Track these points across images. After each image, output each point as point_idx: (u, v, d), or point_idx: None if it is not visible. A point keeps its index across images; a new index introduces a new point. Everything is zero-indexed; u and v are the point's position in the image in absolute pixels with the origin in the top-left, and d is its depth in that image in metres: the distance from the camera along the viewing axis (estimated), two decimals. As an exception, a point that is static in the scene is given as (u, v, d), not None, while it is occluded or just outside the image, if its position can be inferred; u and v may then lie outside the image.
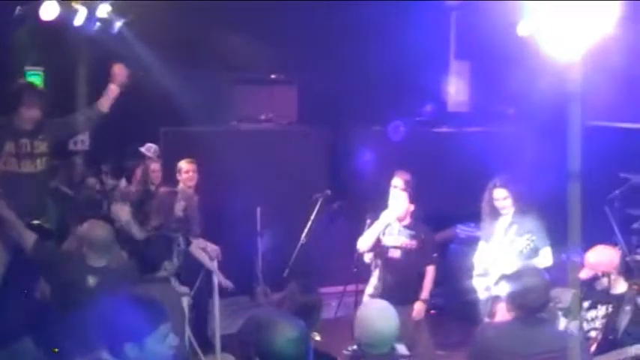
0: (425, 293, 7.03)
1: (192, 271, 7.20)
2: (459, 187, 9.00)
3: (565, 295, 7.70)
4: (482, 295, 7.04)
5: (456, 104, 10.79)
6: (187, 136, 8.91)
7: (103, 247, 5.36)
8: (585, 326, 5.69)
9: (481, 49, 10.39)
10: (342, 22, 9.50)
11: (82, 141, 8.95)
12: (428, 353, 7.05)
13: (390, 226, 7.06)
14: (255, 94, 9.51)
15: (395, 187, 7.89)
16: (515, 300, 4.35)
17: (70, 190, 8.20)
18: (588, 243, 9.11)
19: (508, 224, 6.86)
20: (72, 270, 5.31)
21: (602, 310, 5.63)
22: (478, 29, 10.26)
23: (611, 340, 5.47)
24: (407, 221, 7.09)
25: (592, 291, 5.77)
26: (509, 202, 6.83)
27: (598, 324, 5.61)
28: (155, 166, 8.16)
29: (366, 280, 7.26)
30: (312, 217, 8.00)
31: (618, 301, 5.54)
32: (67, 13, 7.61)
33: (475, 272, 7.15)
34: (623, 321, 5.44)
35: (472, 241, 7.63)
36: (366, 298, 7.24)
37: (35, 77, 8.51)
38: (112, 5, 7.94)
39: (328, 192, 8.19)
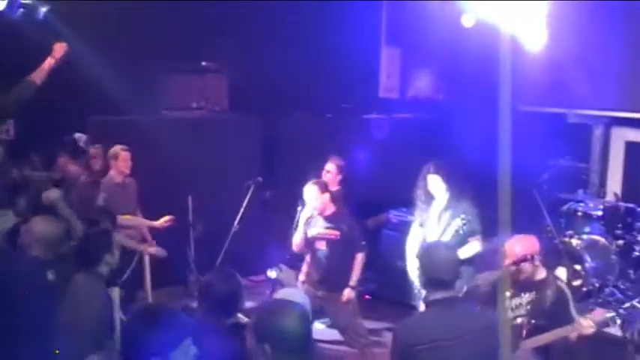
0: (353, 280, 7.04)
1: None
2: (391, 173, 9.06)
3: (494, 279, 7.84)
4: (416, 279, 7.12)
5: (387, 90, 10.82)
6: (117, 125, 8.75)
7: (54, 243, 5.22)
8: (510, 314, 5.80)
9: (412, 35, 10.45)
10: (273, 8, 9.45)
11: (6, 130, 8.70)
12: (360, 338, 7.11)
13: (313, 219, 7.09)
14: (186, 82, 9.37)
15: (328, 172, 7.93)
16: (424, 274, 4.35)
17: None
18: (519, 227, 9.29)
19: (442, 209, 6.95)
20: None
21: (525, 298, 5.72)
22: (409, 15, 10.32)
23: (537, 324, 5.59)
24: (329, 212, 7.11)
25: (514, 280, 5.88)
26: (443, 187, 6.91)
27: (523, 311, 5.70)
28: (95, 152, 8.07)
29: (299, 267, 7.27)
30: (245, 205, 7.97)
31: (540, 286, 5.66)
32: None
33: (409, 257, 7.23)
34: (547, 305, 5.57)
35: (405, 227, 7.68)
36: (299, 284, 7.30)
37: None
38: (36, -10, 7.74)
39: (260, 179, 8.16)
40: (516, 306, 5.75)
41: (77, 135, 8.40)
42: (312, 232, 7.08)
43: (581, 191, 9.11)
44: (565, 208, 8.93)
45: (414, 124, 10.51)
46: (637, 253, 8.36)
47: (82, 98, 8.36)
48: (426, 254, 4.48)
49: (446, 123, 9.88)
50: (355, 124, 10.21)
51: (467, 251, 6.74)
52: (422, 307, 5.33)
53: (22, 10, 7.64)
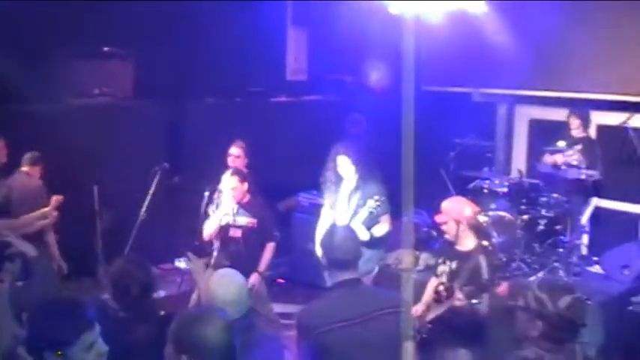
0: (262, 266, 7.05)
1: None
2: (301, 156, 9.06)
3: (407, 257, 7.98)
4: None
5: (294, 72, 10.79)
6: (18, 115, 8.45)
7: None
8: (434, 281, 5.94)
9: (319, 16, 10.43)
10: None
11: None
12: (272, 323, 7.12)
13: (230, 207, 7.05)
14: (88, 68, 9.12)
15: (235, 156, 7.88)
16: (327, 256, 4.35)
17: None
18: (428, 205, 9.45)
19: (352, 190, 7.00)
20: None
21: (449, 266, 5.89)
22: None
23: (451, 294, 5.71)
24: (245, 200, 7.07)
25: (445, 247, 6.04)
26: (352, 169, 6.95)
27: (445, 279, 5.86)
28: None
29: (209, 254, 7.21)
30: (151, 192, 7.86)
31: (464, 258, 5.79)
32: None
33: (318, 239, 7.25)
34: (462, 277, 5.67)
35: (315, 209, 7.70)
36: (210, 270, 7.23)
37: None
38: None
39: (166, 165, 8.06)
40: (441, 273, 5.89)
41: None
42: (227, 219, 7.04)
43: (486, 169, 9.29)
44: (471, 185, 9.11)
45: (323, 106, 10.52)
46: (541, 227, 8.59)
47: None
48: (327, 236, 4.49)
49: (354, 104, 9.91)
50: (264, 107, 10.15)
51: (379, 230, 6.82)
52: None
53: None
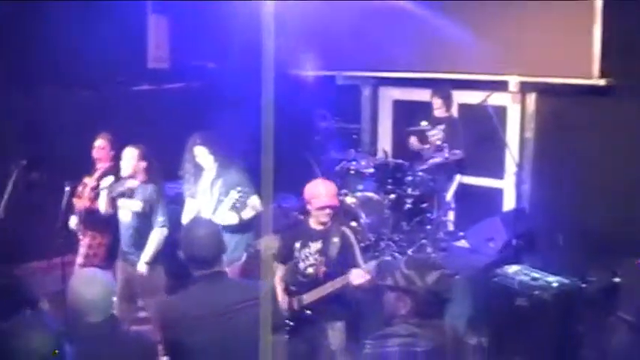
0: (147, 255, 6.86)
1: None
2: (166, 145, 8.85)
3: (275, 242, 7.95)
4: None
5: (156, 60, 10.54)
6: None
7: None
8: (301, 265, 5.95)
9: (178, 3, 10.22)
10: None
11: None
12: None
13: (122, 187, 6.90)
14: None
15: (101, 148, 7.66)
16: (187, 253, 4.28)
17: None
18: (296, 189, 9.45)
19: (213, 179, 6.95)
20: None
21: (313, 247, 5.95)
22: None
23: (327, 273, 5.82)
24: (141, 178, 6.88)
25: (301, 230, 6.07)
26: (211, 158, 6.90)
27: (312, 260, 5.95)
28: None
29: (73, 251, 6.97)
30: (9, 191, 7.50)
31: (326, 235, 5.83)
32: None
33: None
34: (334, 253, 5.78)
35: (182, 198, 7.55)
36: (76, 268, 7.05)
37: None
38: None
39: (24, 162, 7.72)
40: (305, 256, 5.92)
41: None
42: (119, 200, 6.88)
43: (352, 150, 9.35)
44: (338, 167, 9.15)
45: (186, 94, 10.35)
46: (408, 206, 8.72)
47: None
48: (187, 232, 4.40)
49: (217, 91, 9.79)
50: (126, 97, 9.87)
51: (245, 213, 6.80)
52: None
53: None
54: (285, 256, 6.15)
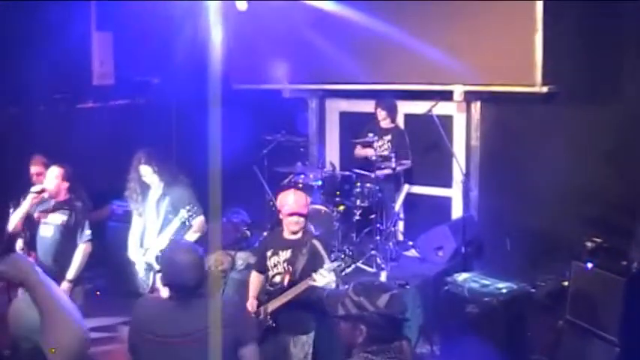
0: (71, 273, 6.69)
1: None
2: (112, 163, 8.75)
3: (226, 257, 7.92)
4: (141, 270, 7.01)
5: (101, 77, 10.42)
6: None
7: None
8: (270, 274, 5.99)
9: (123, 18, 10.13)
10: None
11: None
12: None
13: (46, 202, 6.77)
14: None
15: (32, 174, 7.49)
16: (170, 280, 4.18)
17: None
18: (245, 202, 9.40)
19: (159, 197, 6.90)
20: None
21: (282, 255, 6.04)
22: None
23: (291, 280, 5.85)
24: (61, 198, 6.78)
25: (274, 239, 6.11)
26: (156, 177, 6.85)
27: (280, 268, 6.01)
28: None
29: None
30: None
31: (295, 245, 5.95)
32: None
33: (131, 247, 7.10)
34: (301, 263, 5.85)
35: (130, 217, 7.46)
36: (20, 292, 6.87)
37: None
38: None
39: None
40: (275, 264, 5.95)
41: None
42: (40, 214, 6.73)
43: (299, 164, 9.35)
44: (286, 181, 9.13)
45: (131, 110, 10.25)
46: (357, 217, 8.73)
47: None
48: (169, 260, 4.22)
49: (162, 107, 9.72)
50: (70, 114, 9.74)
51: (191, 236, 6.76)
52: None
53: None
54: (260, 264, 6.24)
